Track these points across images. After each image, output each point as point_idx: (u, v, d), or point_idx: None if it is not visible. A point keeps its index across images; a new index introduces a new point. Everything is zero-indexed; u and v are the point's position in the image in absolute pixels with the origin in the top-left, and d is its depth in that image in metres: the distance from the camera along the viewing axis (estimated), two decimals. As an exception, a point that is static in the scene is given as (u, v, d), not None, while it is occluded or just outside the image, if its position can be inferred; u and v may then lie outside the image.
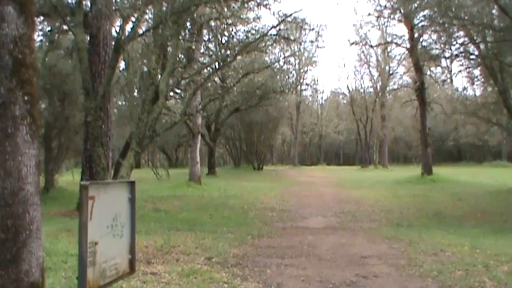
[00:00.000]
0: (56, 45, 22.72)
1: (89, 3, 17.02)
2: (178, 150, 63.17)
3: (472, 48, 27.03)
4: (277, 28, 21.87)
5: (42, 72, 20.69)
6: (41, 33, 21.43)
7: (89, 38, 16.87)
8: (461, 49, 27.17)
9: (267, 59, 35.79)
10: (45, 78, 21.22)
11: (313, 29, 41.70)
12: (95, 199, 3.96)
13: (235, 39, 25.73)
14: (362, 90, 67.48)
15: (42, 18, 18.95)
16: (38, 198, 4.04)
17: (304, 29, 30.95)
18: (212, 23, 23.82)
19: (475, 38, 25.34)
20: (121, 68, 24.01)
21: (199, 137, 32.55)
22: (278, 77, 40.01)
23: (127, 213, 4.59)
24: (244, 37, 25.15)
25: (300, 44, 50.85)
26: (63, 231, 11.31)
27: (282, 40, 24.25)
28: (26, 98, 3.93)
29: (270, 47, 27.72)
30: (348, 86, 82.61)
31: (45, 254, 6.47)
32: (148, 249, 9.64)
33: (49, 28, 21.42)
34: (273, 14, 22.69)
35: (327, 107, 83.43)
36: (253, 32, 25.03)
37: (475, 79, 33.39)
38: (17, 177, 3.85)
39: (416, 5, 24.96)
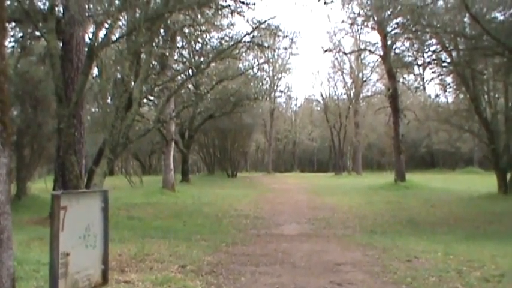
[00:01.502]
0: (28, 51, 22.51)
1: (61, 9, 16.89)
2: (151, 158, 62.90)
3: (444, 55, 27.28)
4: (251, 35, 21.94)
5: (14, 79, 20.49)
6: (12, 39, 21.23)
7: (61, 45, 16.73)
8: (434, 56, 27.39)
9: (240, 65, 35.85)
10: (17, 85, 21.01)
11: (286, 36, 42.03)
12: (67, 209, 3.90)
13: (209, 46, 25.80)
14: (335, 97, 67.74)
15: (13, 24, 18.76)
16: (9, 207, 3.97)
17: (278, 36, 31.08)
18: (186, 30, 23.81)
19: (447, 45, 25.58)
20: (94, 75, 23.80)
21: (173, 144, 32.45)
22: (252, 84, 40.06)
23: (100, 223, 4.53)
24: (218, 44, 25.22)
25: (274, 50, 51.11)
26: (36, 239, 11.18)
27: (256, 47, 24.31)
28: (-4, 105, 3.87)
29: (243, 54, 27.80)
30: (321, 93, 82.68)
31: (16, 263, 6.37)
32: (122, 257, 9.56)
33: (21, 34, 21.22)
34: (247, 21, 22.71)
35: (301, 114, 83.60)
36: (227, 38, 25.13)
37: (448, 86, 33.61)
38: (-13, 186, 3.78)
39: (389, 13, 25.15)
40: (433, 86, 55.23)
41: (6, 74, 4.06)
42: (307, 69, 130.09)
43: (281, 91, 70.00)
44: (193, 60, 28.09)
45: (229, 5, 20.52)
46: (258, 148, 79.81)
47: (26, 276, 7.45)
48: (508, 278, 8.16)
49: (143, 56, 16.07)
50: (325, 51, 49.43)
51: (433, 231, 15.90)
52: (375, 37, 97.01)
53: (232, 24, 25.81)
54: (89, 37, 17.64)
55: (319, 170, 75.91)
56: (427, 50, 27.01)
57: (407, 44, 29.12)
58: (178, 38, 27.24)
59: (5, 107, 3.97)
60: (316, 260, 10.16)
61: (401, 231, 15.98)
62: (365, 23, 33.47)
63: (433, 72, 32.31)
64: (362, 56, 60.06)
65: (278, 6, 72.48)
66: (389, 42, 33.38)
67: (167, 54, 23.44)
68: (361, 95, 64.83)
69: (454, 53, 26.14)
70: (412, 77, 41.91)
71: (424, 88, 50.37)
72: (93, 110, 38.90)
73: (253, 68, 39.43)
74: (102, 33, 15.17)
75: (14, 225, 4.06)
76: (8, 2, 14.90)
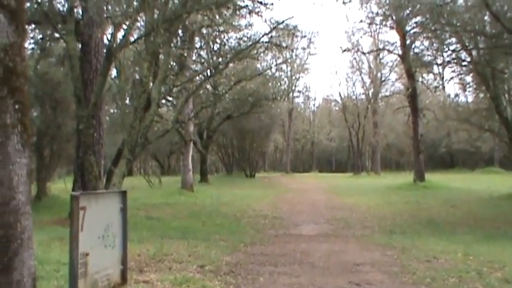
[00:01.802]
0: (48, 53, 22.68)
1: (80, 11, 17.01)
2: (170, 158, 63.09)
3: (464, 54, 27.12)
4: (269, 35, 21.92)
5: (34, 80, 20.64)
6: (32, 41, 21.41)
7: (80, 46, 16.85)
8: (453, 56, 27.25)
9: (259, 66, 35.88)
10: (37, 86, 21.16)
11: (305, 36, 41.91)
12: (86, 210, 3.92)
13: (227, 47, 25.83)
14: (354, 97, 67.61)
15: (33, 26, 18.91)
16: (30, 207, 4.00)
17: (296, 36, 31.07)
18: (204, 30, 23.85)
19: (467, 44, 25.42)
20: (113, 76, 23.93)
21: (192, 144, 32.53)
22: (270, 84, 40.06)
23: (119, 223, 4.55)
24: (236, 44, 25.25)
25: (292, 51, 50.95)
26: (56, 239, 11.25)
27: (274, 47, 24.30)
28: (16, 106, 3.90)
29: (262, 54, 27.78)
30: (340, 93, 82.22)
31: (37, 263, 6.42)
32: (141, 257, 9.60)
33: (40, 36, 21.39)
34: (265, 21, 22.81)
35: (319, 114, 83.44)
36: (245, 39, 25.13)
37: (467, 85, 33.42)
38: (8, 186, 3.81)
39: (408, 12, 25.01)
40: (453, 85, 54.90)
41: (26, 76, 4.09)
42: (325, 69, 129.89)
43: (299, 91, 70.02)
44: (211, 60, 28.17)
45: (247, 5, 20.53)
46: (277, 148, 79.70)
47: (47, 276, 7.50)
48: (528, 278, 8.11)
49: (161, 56, 16.12)
50: (344, 51, 49.65)
51: (453, 231, 15.80)
52: (393, 36, 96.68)
53: (250, 25, 25.81)
54: (107, 38, 17.75)
55: (337, 170, 75.65)
56: (446, 49, 26.88)
57: (426, 43, 29.00)
58: (197, 39, 27.30)
59: (25, 108, 4.01)
60: (334, 260, 10.14)
61: (421, 231, 15.89)
62: (384, 23, 33.30)
63: (452, 72, 32.27)
64: (381, 56, 59.77)
65: (296, 6, 72.50)
66: (408, 42, 33.22)
67: (185, 54, 23.49)
68: (379, 95, 64.50)
69: (474, 52, 25.97)
70: (431, 76, 41.70)
71: (444, 87, 50.14)
72: (112, 110, 39.13)
73: (271, 68, 39.46)
74: (120, 34, 15.25)
75: (34, 225, 4.10)
76: (28, 4, 15.01)
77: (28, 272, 3.92)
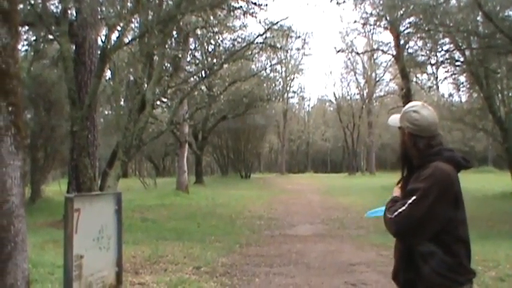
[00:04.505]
0: (41, 54, 22.60)
1: (74, 13, 16.94)
2: (165, 159, 62.87)
3: (457, 54, 27.12)
4: (264, 36, 21.94)
5: (28, 82, 20.56)
6: (26, 42, 21.32)
7: (74, 47, 16.77)
8: (447, 56, 27.25)
9: (253, 67, 35.88)
10: (30, 88, 21.08)
11: (299, 37, 41.83)
12: (80, 212, 3.89)
13: (221, 48, 25.80)
14: (349, 98, 67.55)
15: (27, 27, 18.82)
16: (23, 210, 3.98)
17: (291, 37, 31.15)
18: (198, 32, 23.81)
19: (460, 44, 25.43)
20: (107, 77, 23.84)
21: (186, 145, 32.47)
22: (265, 85, 40.01)
23: (113, 225, 4.53)
24: (231, 45, 25.26)
25: (287, 51, 50.94)
26: (50, 242, 11.22)
27: (269, 48, 24.34)
28: (10, 108, 3.87)
29: (256, 55, 27.79)
30: (334, 94, 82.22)
31: (31, 266, 6.40)
32: (136, 259, 9.58)
33: (34, 37, 21.29)
34: (260, 22, 22.83)
35: (314, 115, 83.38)
36: (240, 40, 25.17)
37: (461, 85, 33.42)
38: (1, 189, 3.78)
39: (401, 12, 24.99)
40: (447, 85, 55.01)
41: (19, 78, 4.07)
42: (320, 70, 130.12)
43: (294, 92, 69.84)
44: (206, 61, 28.10)
45: (241, 6, 20.54)
46: (272, 149, 79.55)
47: (41, 279, 7.47)
48: (523, 277, 8.12)
49: (156, 58, 16.10)
50: (338, 51, 49.44)
51: (448, 230, 15.78)
52: (387, 37, 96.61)
53: (245, 26, 25.86)
54: (101, 40, 17.67)
55: (332, 171, 75.65)
56: (440, 49, 26.89)
57: (420, 43, 29.00)
58: (191, 40, 27.27)
59: (18, 110, 3.98)
60: (330, 260, 10.15)
61: (416, 231, 15.86)
62: (377, 23, 33.23)
63: (446, 72, 32.24)
64: (375, 56, 59.81)
65: (290, 7, 72.53)
66: (402, 42, 33.19)
67: (180, 56, 23.45)
68: (374, 95, 64.60)
69: (467, 52, 25.98)
70: (425, 76, 41.57)
71: (438, 87, 50.03)
72: (106, 112, 39.03)
73: (266, 69, 39.50)
74: (114, 35, 15.21)
75: (28, 228, 4.08)
76: (21, 6, 14.95)
77: (22, 275, 3.90)
